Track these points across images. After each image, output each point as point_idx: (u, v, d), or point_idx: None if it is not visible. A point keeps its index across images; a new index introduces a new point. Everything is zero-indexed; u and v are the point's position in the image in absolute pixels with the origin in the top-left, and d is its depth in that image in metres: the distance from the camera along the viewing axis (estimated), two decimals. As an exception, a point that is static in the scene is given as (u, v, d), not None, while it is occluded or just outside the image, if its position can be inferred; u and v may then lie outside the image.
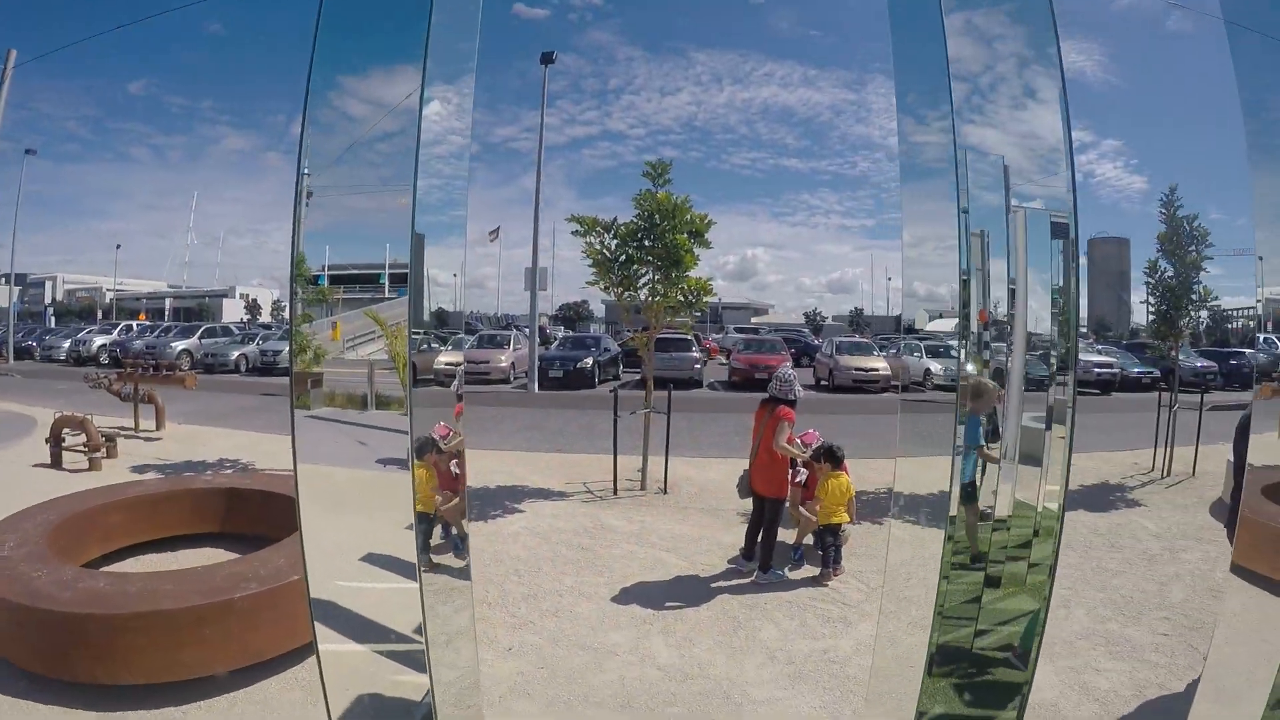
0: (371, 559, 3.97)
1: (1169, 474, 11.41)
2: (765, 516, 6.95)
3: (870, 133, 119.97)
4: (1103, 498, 10.05)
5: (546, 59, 24.26)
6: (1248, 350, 32.15)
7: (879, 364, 25.84)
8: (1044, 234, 3.39)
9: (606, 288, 10.32)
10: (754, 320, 73.13)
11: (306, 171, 3.34)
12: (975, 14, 3.31)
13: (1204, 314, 12.95)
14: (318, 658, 3.39)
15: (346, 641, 3.75)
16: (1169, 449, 11.71)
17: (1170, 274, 11.91)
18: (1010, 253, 3.39)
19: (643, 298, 10.22)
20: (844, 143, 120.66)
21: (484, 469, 10.97)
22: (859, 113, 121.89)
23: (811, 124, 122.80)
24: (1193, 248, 11.85)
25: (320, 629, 3.45)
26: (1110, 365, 26.12)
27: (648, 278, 10.16)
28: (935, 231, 3.53)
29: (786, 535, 7.43)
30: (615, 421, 10.05)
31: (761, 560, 6.89)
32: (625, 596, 6.41)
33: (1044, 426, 3.64)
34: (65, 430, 10.93)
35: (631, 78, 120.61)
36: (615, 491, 9.86)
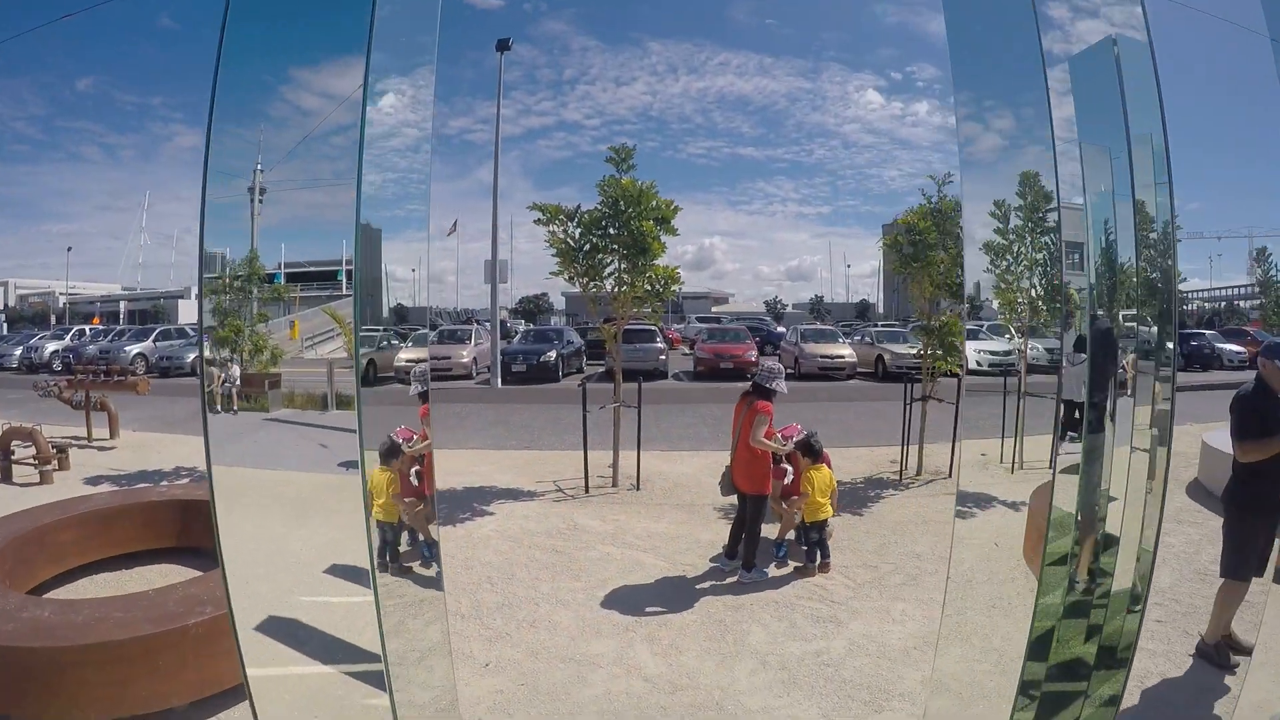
0: (317, 570, 3.68)
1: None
2: (748, 513, 6.70)
3: (825, 120, 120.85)
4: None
5: (502, 46, 23.71)
6: (1208, 331, 32.79)
7: (844, 351, 25.84)
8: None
9: (571, 278, 9.97)
10: (715, 309, 73.29)
11: (260, 168, 3.18)
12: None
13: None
14: (247, 689, 3.09)
15: (287, 665, 3.45)
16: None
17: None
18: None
19: (608, 288, 9.92)
20: (800, 130, 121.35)
21: (450, 469, 10.63)
22: (814, 100, 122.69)
23: (767, 112, 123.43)
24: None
25: (250, 652, 3.14)
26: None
27: (613, 267, 9.85)
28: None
29: (769, 531, 7.21)
30: (584, 417, 9.74)
31: (745, 559, 6.65)
32: (605, 602, 6.13)
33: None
34: (14, 442, 10.42)
35: (587, 68, 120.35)
36: (587, 489, 9.57)
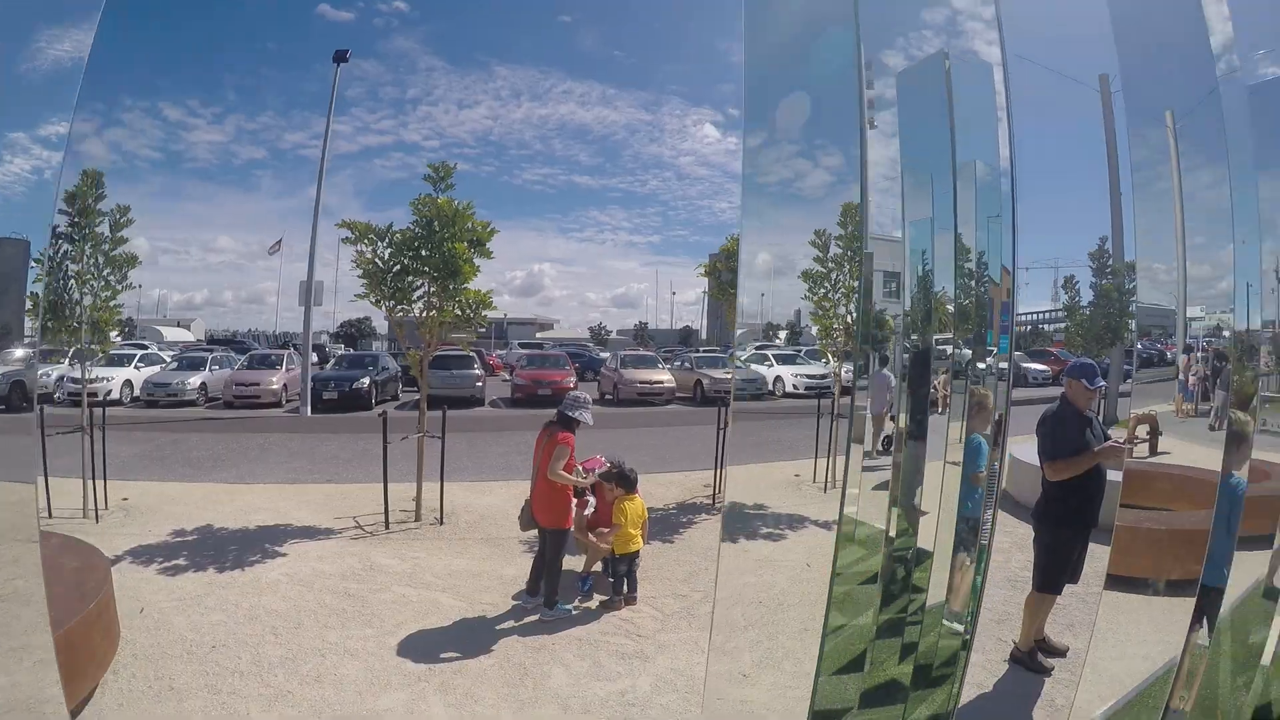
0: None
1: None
2: (547, 549, 6.44)
3: (662, 152, 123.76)
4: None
5: (340, 57, 22.46)
6: (1015, 353, 35.35)
7: (663, 376, 26.09)
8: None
9: (378, 301, 9.46)
10: (539, 335, 73.08)
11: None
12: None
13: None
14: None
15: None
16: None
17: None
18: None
19: (417, 312, 9.46)
20: (636, 161, 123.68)
21: (246, 506, 9.84)
22: (653, 132, 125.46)
23: (606, 142, 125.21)
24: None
25: None
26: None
27: (423, 290, 9.42)
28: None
29: (575, 563, 6.98)
30: (385, 447, 9.19)
31: (546, 596, 6.38)
32: (398, 650, 5.69)
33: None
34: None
35: (431, 88, 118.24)
36: (387, 525, 9.02)
